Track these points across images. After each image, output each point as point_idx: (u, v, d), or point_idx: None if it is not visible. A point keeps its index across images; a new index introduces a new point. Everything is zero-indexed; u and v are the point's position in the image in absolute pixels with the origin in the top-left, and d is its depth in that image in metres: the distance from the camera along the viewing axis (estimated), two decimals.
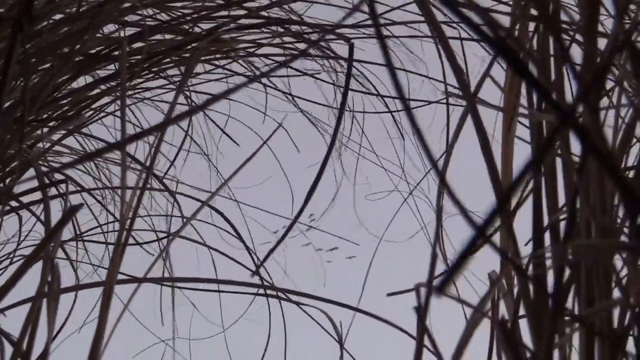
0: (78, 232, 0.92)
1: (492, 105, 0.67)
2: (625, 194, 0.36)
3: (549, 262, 0.56)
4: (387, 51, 0.40)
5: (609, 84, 0.66)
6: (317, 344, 0.90)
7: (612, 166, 0.34)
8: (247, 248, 0.89)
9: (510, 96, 0.66)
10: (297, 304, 0.84)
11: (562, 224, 0.58)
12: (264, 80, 1.02)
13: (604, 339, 0.47)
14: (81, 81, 0.90)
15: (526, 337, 0.55)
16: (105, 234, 1.05)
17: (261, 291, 0.84)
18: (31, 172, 0.87)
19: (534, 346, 0.52)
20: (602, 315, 0.46)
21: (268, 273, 0.95)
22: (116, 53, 0.85)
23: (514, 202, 0.63)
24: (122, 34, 0.87)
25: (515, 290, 0.58)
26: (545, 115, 0.60)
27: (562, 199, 0.59)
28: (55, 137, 1.04)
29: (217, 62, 0.97)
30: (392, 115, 1.01)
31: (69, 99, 0.81)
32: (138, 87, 0.99)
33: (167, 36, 0.93)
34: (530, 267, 0.56)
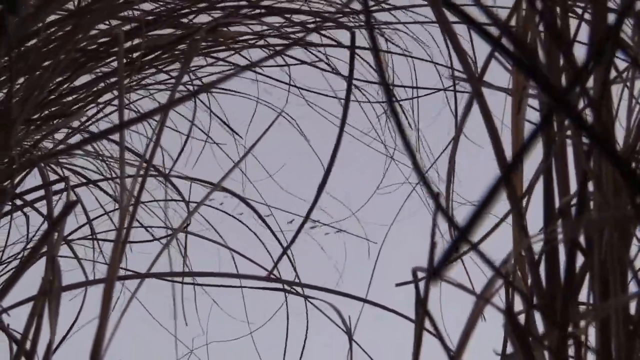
0: (91, 231, 0.92)
1: (498, 87, 0.65)
2: (626, 179, 0.34)
3: (561, 251, 0.54)
4: (374, 37, 0.38)
5: (622, 64, 0.64)
6: (325, 337, 0.89)
7: (610, 151, 0.32)
8: (267, 239, 0.88)
9: (518, 77, 0.64)
10: (306, 297, 0.83)
11: (574, 209, 0.56)
12: (269, 72, 1.01)
13: (619, 328, 0.45)
14: (84, 78, 0.90)
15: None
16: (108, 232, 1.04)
17: (272, 285, 0.83)
18: (36, 170, 0.87)
19: (546, 335, 0.50)
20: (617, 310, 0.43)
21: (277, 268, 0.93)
22: (114, 49, 0.84)
23: (523, 184, 0.61)
24: (119, 30, 0.86)
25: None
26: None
27: (573, 182, 0.57)
28: (62, 136, 1.04)
29: (217, 55, 0.96)
30: (400, 105, 0.99)
31: (70, 97, 0.80)
32: (139, 82, 0.98)
33: (167, 30, 0.92)
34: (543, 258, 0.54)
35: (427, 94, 0.95)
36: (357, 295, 0.74)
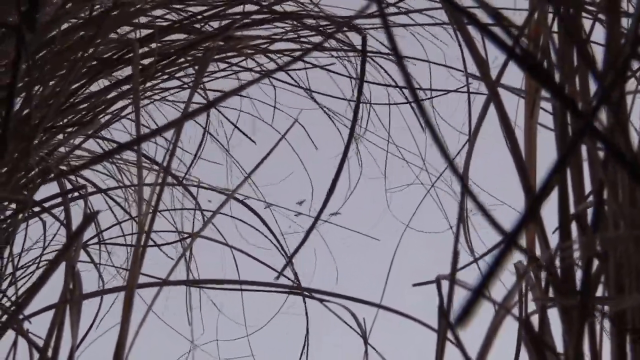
0: (102, 236, 0.92)
1: (513, 88, 0.65)
2: None
3: (576, 254, 0.55)
4: (393, 40, 0.39)
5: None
6: (341, 341, 0.89)
7: (631, 166, 0.32)
8: (278, 243, 0.88)
9: (531, 80, 0.64)
10: (321, 300, 0.83)
11: (589, 214, 0.56)
12: (280, 76, 1.01)
13: (635, 335, 0.45)
14: (95, 86, 0.90)
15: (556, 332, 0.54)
16: (125, 237, 1.05)
17: (283, 289, 0.83)
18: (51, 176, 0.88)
19: (565, 342, 0.50)
20: (634, 310, 0.44)
21: (294, 272, 0.94)
22: (129, 56, 0.85)
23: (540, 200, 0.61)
24: (133, 37, 0.86)
25: (543, 284, 0.56)
26: None
27: (588, 187, 0.57)
28: (75, 143, 1.05)
29: (230, 61, 0.96)
30: (411, 106, 0.99)
31: (85, 104, 0.81)
32: (153, 88, 0.98)
33: (179, 36, 0.92)
34: (557, 262, 0.54)
35: (439, 95, 0.95)
36: (369, 299, 0.74)
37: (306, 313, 0.87)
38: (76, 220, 1.00)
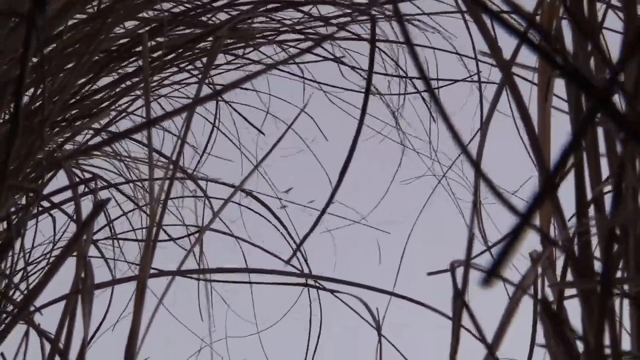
0: (112, 230, 0.92)
1: (526, 66, 0.64)
2: None
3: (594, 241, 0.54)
4: (405, 29, 0.38)
5: None
6: (354, 331, 0.88)
7: None
8: (288, 234, 0.88)
9: (544, 65, 0.63)
10: (332, 291, 0.83)
11: (606, 198, 0.55)
12: (289, 68, 1.00)
13: None
14: (105, 80, 0.90)
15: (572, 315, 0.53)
16: (136, 232, 1.05)
17: (295, 280, 0.83)
18: (60, 172, 0.88)
19: (583, 324, 0.49)
20: None
21: (304, 262, 0.93)
22: (137, 49, 0.84)
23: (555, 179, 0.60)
24: (141, 30, 0.86)
25: (560, 268, 0.56)
26: None
27: (604, 170, 0.56)
28: (82, 138, 1.05)
29: (237, 52, 0.96)
30: (422, 96, 0.99)
31: (93, 99, 0.80)
32: (161, 82, 0.98)
33: (186, 30, 0.92)
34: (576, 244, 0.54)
35: (447, 85, 0.94)
36: (382, 289, 0.73)
37: (319, 303, 0.86)
38: (86, 214, 0.99)
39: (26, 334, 0.65)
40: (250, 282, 0.76)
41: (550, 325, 0.42)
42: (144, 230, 1.14)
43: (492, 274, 0.22)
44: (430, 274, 0.65)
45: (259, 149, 1.05)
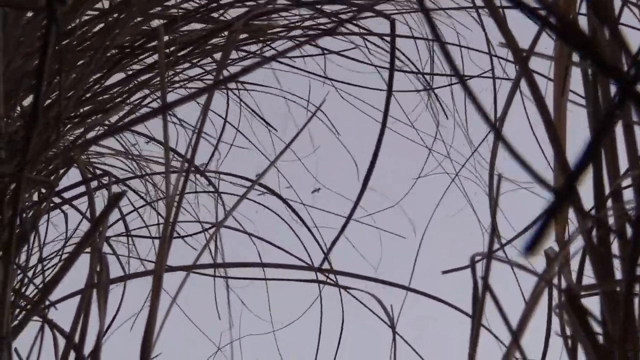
0: (125, 226, 0.92)
1: (544, 55, 0.63)
2: None
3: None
4: (433, 25, 0.38)
5: None
6: (367, 328, 0.88)
7: None
8: (310, 233, 0.87)
9: (560, 56, 0.63)
10: (345, 288, 0.82)
11: (625, 192, 0.54)
12: (300, 64, 1.00)
13: None
14: (116, 77, 0.90)
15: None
16: (149, 228, 1.05)
17: (311, 276, 0.82)
18: (71, 169, 0.88)
19: (605, 316, 0.49)
20: None
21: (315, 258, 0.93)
22: (150, 44, 0.84)
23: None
24: (157, 24, 0.86)
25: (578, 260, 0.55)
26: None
27: (622, 163, 0.56)
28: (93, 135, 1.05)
29: (248, 48, 0.96)
30: (434, 93, 0.98)
31: (105, 95, 0.80)
32: (172, 79, 0.98)
33: (198, 26, 0.92)
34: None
35: (459, 82, 0.93)
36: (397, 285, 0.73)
37: (341, 302, 0.86)
38: (98, 211, 0.99)
39: (41, 329, 0.65)
40: (265, 279, 0.75)
41: (574, 317, 0.42)
42: (156, 226, 1.15)
43: (532, 248, 0.21)
44: (445, 272, 0.65)
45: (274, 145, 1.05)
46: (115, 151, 1.19)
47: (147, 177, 1.22)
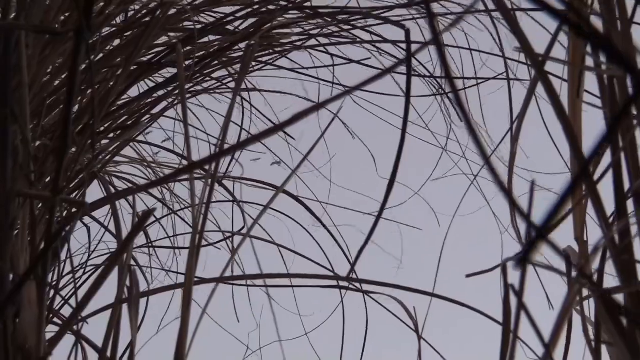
0: (148, 239, 0.93)
1: (558, 60, 0.64)
2: None
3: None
4: (436, 29, 0.38)
5: None
6: (393, 334, 0.88)
7: None
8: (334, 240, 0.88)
9: (576, 58, 0.63)
10: (367, 292, 0.83)
11: None
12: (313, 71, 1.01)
13: None
14: (133, 91, 0.92)
15: None
16: (171, 239, 1.06)
17: (334, 283, 0.83)
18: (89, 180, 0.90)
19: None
20: None
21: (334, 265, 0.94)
22: (165, 60, 0.85)
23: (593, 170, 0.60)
24: (175, 39, 0.87)
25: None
26: (615, 70, 0.57)
27: None
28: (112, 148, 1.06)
29: (261, 59, 0.97)
30: (448, 97, 0.99)
31: (125, 109, 0.82)
32: (188, 90, 0.99)
33: (212, 38, 0.93)
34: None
35: (475, 85, 0.94)
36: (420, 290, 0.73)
37: (366, 309, 0.87)
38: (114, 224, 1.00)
39: (76, 344, 0.66)
40: (291, 286, 0.76)
41: (610, 320, 0.42)
42: (175, 237, 1.16)
43: (544, 232, 0.22)
44: (469, 275, 0.65)
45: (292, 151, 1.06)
46: (131, 159, 1.21)
47: (164, 185, 1.23)
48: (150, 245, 0.99)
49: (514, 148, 0.74)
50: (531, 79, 0.66)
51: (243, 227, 0.95)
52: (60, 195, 0.46)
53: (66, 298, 0.74)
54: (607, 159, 0.58)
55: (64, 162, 0.53)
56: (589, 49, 0.63)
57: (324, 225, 0.98)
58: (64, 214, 0.73)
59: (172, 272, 1.11)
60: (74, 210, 0.80)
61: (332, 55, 0.90)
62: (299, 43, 0.88)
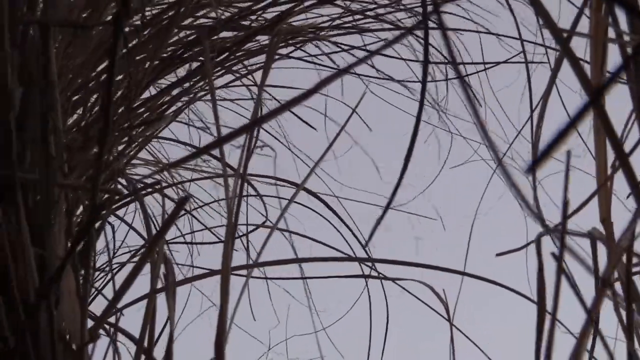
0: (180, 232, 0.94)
1: (582, 34, 0.64)
2: None
3: None
4: (440, 16, 0.39)
5: None
6: (419, 320, 0.88)
7: None
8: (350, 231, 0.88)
9: (598, 25, 0.63)
10: (394, 280, 0.83)
11: None
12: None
13: None
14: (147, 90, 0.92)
15: None
16: (185, 236, 1.06)
17: (360, 272, 0.83)
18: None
19: None
20: None
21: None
22: (185, 56, 0.86)
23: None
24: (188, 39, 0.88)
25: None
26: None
27: None
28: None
29: (280, 52, 0.97)
30: (465, 81, 0.99)
31: (149, 104, 0.82)
32: (204, 86, 1.00)
33: (229, 34, 0.94)
34: None
35: (492, 66, 0.94)
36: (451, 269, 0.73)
37: (384, 293, 0.87)
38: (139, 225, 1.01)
39: (113, 335, 0.66)
40: (318, 277, 0.76)
41: None
42: (191, 234, 1.16)
43: (538, 163, 0.22)
44: (499, 254, 0.65)
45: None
46: (145, 160, 1.21)
47: (179, 185, 1.24)
48: (167, 242, 0.99)
49: (540, 126, 0.74)
50: (556, 55, 0.67)
51: (265, 221, 0.96)
52: (98, 183, 0.47)
53: (100, 288, 0.75)
54: (634, 134, 0.58)
55: (104, 152, 0.53)
56: (610, 20, 0.63)
57: (341, 220, 0.98)
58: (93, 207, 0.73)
59: (192, 266, 1.11)
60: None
61: (351, 47, 0.91)
62: (322, 33, 0.89)
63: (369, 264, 0.87)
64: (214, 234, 1.19)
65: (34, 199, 0.60)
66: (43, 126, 0.51)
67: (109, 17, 0.62)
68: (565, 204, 0.48)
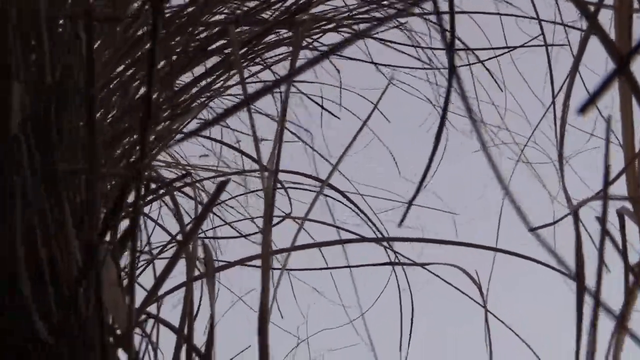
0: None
1: (607, 6, 0.64)
2: None
3: None
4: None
5: None
6: (451, 305, 0.88)
7: None
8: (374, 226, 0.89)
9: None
10: (422, 265, 0.83)
11: None
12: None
13: None
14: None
15: None
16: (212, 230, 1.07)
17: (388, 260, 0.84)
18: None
19: None
20: None
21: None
22: (210, 48, 0.87)
23: None
24: (212, 30, 0.88)
25: None
26: None
27: None
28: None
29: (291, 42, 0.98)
30: (486, 67, 1.00)
31: (179, 96, 0.83)
32: (226, 81, 1.01)
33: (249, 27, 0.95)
34: None
35: (507, 51, 0.95)
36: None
37: (406, 278, 0.87)
38: (168, 218, 1.02)
39: (156, 322, 0.67)
40: (346, 267, 0.77)
41: None
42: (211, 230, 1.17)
43: (586, 107, 0.23)
44: (532, 229, 0.66)
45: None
46: (165, 162, 1.22)
47: (198, 183, 1.25)
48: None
49: (566, 106, 0.74)
50: (585, 30, 0.67)
51: (290, 212, 0.97)
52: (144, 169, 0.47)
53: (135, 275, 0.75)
54: None
55: (146, 138, 0.54)
56: None
57: (363, 213, 0.99)
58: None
59: (218, 261, 1.12)
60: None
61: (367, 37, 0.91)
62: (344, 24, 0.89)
63: (396, 248, 0.88)
64: (233, 229, 1.20)
65: (74, 191, 0.61)
66: (89, 118, 0.52)
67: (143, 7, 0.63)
68: (607, 167, 0.48)
